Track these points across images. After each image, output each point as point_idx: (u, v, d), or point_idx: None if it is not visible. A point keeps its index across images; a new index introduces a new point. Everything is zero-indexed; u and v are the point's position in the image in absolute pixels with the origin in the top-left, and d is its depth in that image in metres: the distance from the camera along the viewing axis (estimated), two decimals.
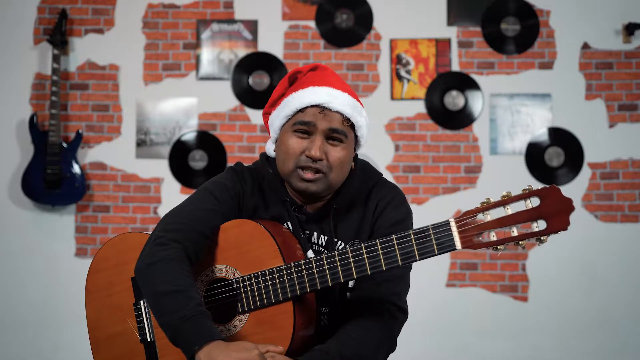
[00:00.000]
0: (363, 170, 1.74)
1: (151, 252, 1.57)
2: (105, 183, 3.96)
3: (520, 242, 1.43)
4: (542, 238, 1.41)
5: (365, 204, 1.71)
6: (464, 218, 1.45)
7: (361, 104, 1.69)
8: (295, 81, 1.71)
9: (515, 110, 3.93)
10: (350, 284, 1.69)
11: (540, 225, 1.41)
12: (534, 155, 3.91)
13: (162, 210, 3.92)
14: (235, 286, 1.60)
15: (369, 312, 1.63)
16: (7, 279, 3.91)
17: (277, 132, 1.69)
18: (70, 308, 3.82)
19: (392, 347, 1.66)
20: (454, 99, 3.94)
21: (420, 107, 3.95)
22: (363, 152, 3.63)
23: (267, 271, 1.57)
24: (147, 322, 1.67)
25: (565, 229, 1.40)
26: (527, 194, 1.43)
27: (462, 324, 3.80)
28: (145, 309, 1.68)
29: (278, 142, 1.68)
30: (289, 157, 1.63)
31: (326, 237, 1.69)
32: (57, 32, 3.85)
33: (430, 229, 1.47)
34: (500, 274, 3.85)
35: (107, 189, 3.96)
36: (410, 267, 1.70)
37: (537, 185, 3.72)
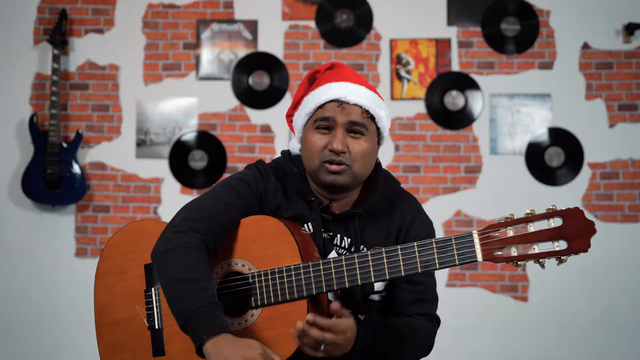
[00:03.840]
0: (386, 179, 1.78)
1: (170, 238, 1.58)
2: (105, 183, 3.96)
3: (540, 260, 1.44)
4: (562, 258, 1.42)
5: (390, 214, 1.73)
6: (487, 231, 1.46)
7: (380, 96, 1.72)
8: (315, 81, 1.74)
9: (515, 110, 3.93)
10: (377, 286, 1.70)
11: (561, 245, 1.43)
12: (534, 155, 3.91)
13: (162, 211, 3.92)
14: (251, 280, 1.60)
15: (414, 319, 1.70)
16: (7, 279, 3.91)
17: (300, 131, 1.72)
18: (71, 308, 3.83)
19: (428, 350, 1.73)
20: (454, 99, 3.94)
21: (420, 107, 3.95)
22: None
23: (284, 268, 1.57)
24: (157, 309, 1.68)
25: (585, 251, 1.43)
26: (550, 214, 1.44)
27: (462, 324, 3.80)
28: (155, 297, 1.68)
29: (302, 141, 1.70)
30: (313, 153, 1.65)
31: (349, 240, 1.69)
32: (57, 32, 3.85)
33: (453, 239, 1.49)
34: (500, 274, 3.85)
35: (107, 189, 3.96)
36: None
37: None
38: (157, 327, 1.66)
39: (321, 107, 1.65)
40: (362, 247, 1.69)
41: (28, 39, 4.01)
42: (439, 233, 3.83)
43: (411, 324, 1.67)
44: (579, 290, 3.82)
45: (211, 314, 1.47)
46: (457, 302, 3.83)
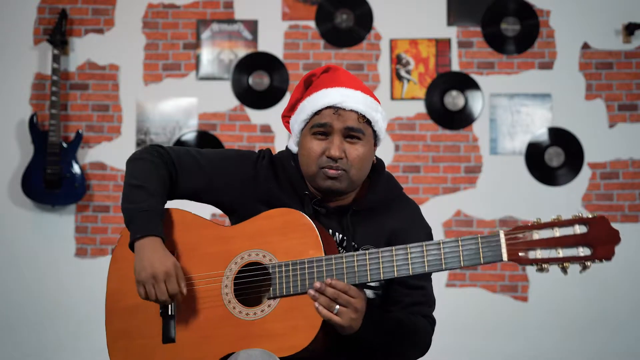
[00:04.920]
0: (388, 181, 1.79)
1: (145, 150, 1.76)
2: (105, 183, 3.96)
3: (564, 265, 1.45)
4: (586, 264, 1.43)
5: (385, 215, 1.74)
6: (513, 232, 1.47)
7: (376, 99, 1.72)
8: (311, 84, 1.76)
9: (515, 110, 3.93)
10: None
11: (585, 251, 1.44)
12: (534, 155, 3.91)
13: None
14: (271, 271, 1.61)
15: (414, 315, 1.72)
16: (7, 279, 3.91)
17: (297, 136, 1.74)
18: (71, 308, 3.83)
19: (425, 349, 1.74)
20: (454, 99, 3.94)
21: (420, 107, 3.95)
22: None
23: (305, 260, 1.58)
24: None
25: (609, 259, 1.44)
26: (576, 220, 1.45)
27: (462, 324, 3.80)
28: None
29: (300, 146, 1.73)
30: (311, 159, 1.67)
31: (341, 236, 1.70)
32: (57, 32, 3.85)
33: (479, 238, 1.49)
34: (500, 274, 3.85)
35: (107, 189, 3.96)
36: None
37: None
38: (170, 313, 1.66)
39: (317, 113, 1.67)
40: (353, 244, 1.70)
41: (28, 39, 4.01)
42: (439, 233, 3.84)
43: (412, 317, 1.70)
44: (578, 290, 3.82)
45: (151, 218, 1.64)
46: (457, 302, 3.83)
